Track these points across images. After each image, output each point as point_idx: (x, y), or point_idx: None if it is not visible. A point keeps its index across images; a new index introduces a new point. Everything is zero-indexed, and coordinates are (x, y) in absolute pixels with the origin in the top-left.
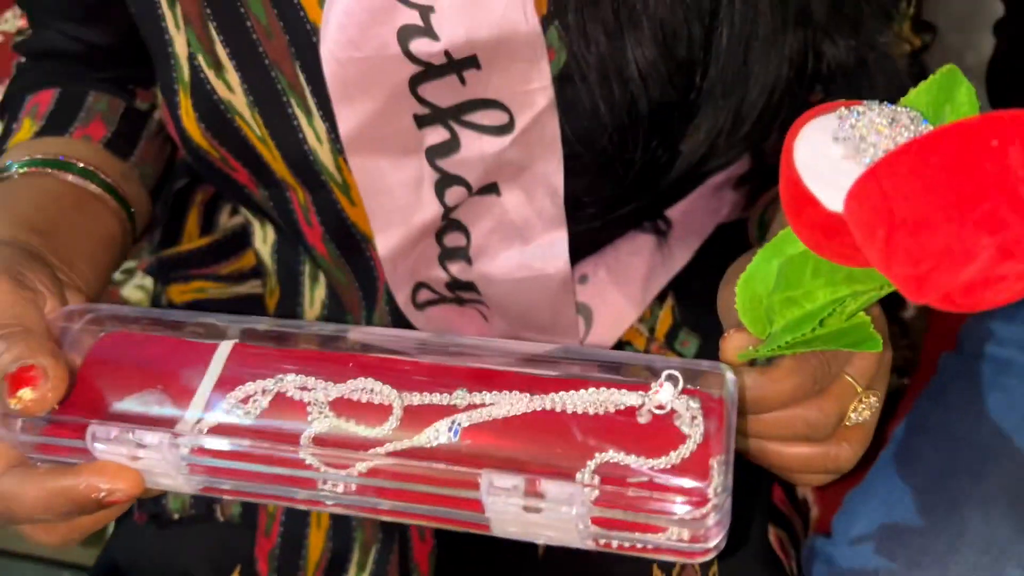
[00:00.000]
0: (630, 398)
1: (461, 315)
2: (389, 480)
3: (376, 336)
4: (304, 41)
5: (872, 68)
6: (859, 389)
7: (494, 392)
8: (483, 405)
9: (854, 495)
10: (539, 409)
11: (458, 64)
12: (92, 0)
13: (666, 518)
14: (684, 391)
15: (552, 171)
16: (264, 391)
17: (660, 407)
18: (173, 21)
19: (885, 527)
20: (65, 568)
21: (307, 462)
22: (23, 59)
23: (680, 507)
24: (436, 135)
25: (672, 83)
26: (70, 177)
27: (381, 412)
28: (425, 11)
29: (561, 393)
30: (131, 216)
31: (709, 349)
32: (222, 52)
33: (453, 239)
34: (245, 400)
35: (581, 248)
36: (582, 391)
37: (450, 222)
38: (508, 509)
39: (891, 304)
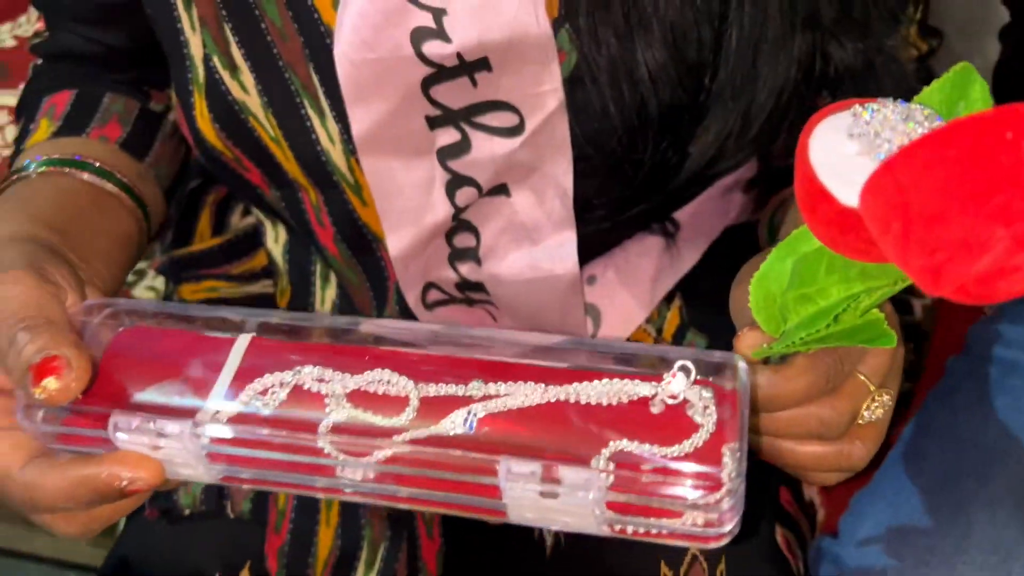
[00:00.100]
0: (643, 388)
1: (470, 315)
2: (407, 467)
3: (389, 328)
4: (318, 43)
5: (879, 71)
6: (872, 387)
7: (509, 383)
8: (498, 396)
9: (861, 496)
10: (554, 400)
11: (470, 66)
12: (108, 3)
13: (681, 503)
14: (697, 381)
15: (562, 172)
16: (282, 383)
17: (673, 397)
18: (189, 23)
19: (892, 528)
20: (71, 569)
21: (325, 451)
22: (40, 61)
23: (694, 492)
24: (447, 136)
25: (682, 85)
26: (86, 176)
27: (398, 403)
28: (438, 13)
29: (575, 384)
30: (147, 215)
31: (716, 349)
32: (237, 54)
33: (463, 240)
34: (264, 392)
35: (590, 249)
36: (596, 382)
37: (460, 223)
38: (525, 495)
39: (897, 308)
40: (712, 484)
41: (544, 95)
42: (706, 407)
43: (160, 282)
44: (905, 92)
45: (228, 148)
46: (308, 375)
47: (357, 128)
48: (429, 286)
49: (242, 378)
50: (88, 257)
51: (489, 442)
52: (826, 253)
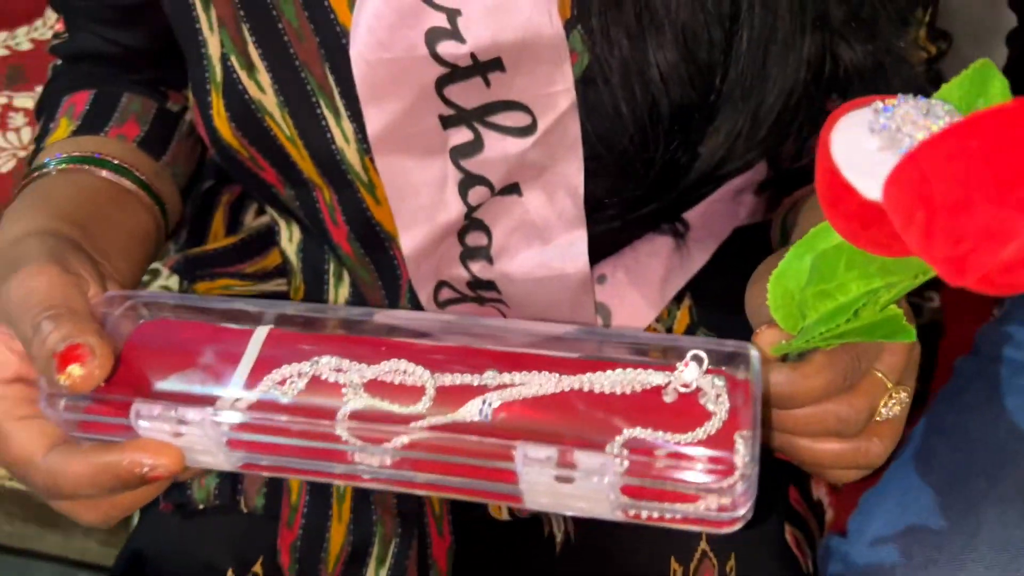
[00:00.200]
0: (656, 378)
1: (481, 313)
2: (425, 452)
3: (402, 319)
4: (334, 43)
5: (888, 72)
6: (889, 385)
7: (523, 372)
8: (513, 385)
9: (870, 495)
10: (568, 389)
11: (483, 66)
12: (127, 4)
13: (695, 487)
14: (709, 370)
15: (573, 172)
16: (300, 373)
17: (686, 385)
18: (207, 23)
19: (901, 526)
20: (82, 568)
21: (344, 438)
22: (59, 62)
23: (707, 476)
24: (460, 136)
25: (692, 85)
26: (105, 173)
27: (414, 393)
28: (452, 14)
29: (589, 373)
30: (164, 213)
31: None
32: (254, 53)
33: (475, 238)
34: (282, 382)
35: (600, 249)
36: (609, 371)
37: (472, 221)
38: (541, 480)
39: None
40: (726, 469)
41: (556, 95)
42: (719, 395)
43: (174, 281)
44: (914, 93)
45: (244, 147)
46: (326, 365)
47: (371, 127)
48: (441, 284)
49: (261, 368)
50: (107, 252)
51: (505, 429)
52: (845, 249)
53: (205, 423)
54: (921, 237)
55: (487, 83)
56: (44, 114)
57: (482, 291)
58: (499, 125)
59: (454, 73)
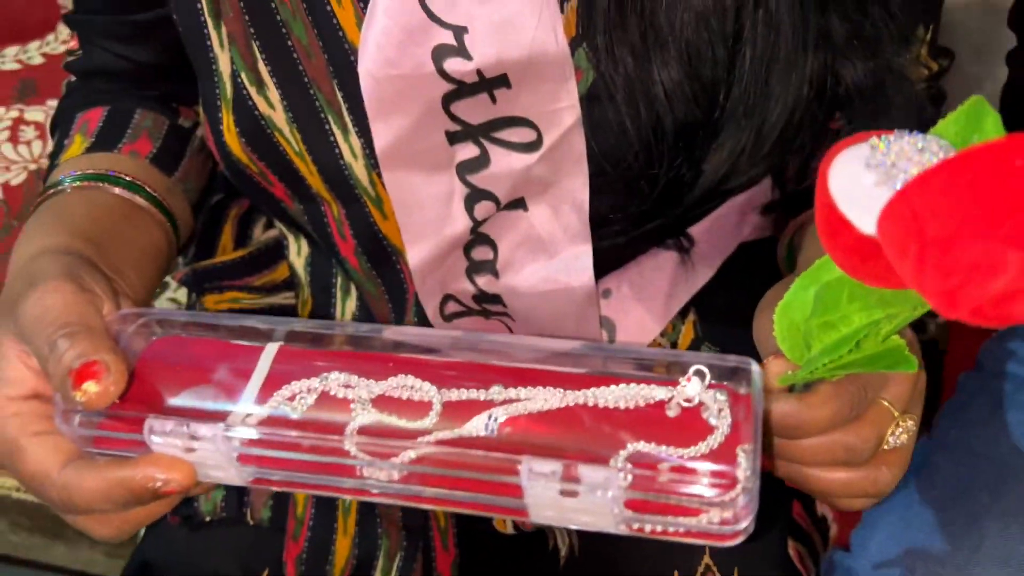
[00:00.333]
0: (659, 392)
1: (487, 327)
2: (432, 467)
3: (410, 335)
4: (342, 60)
5: (890, 90)
6: (896, 413)
7: (529, 387)
8: (518, 400)
9: (873, 510)
10: (572, 404)
11: (489, 83)
12: (140, 20)
13: (697, 500)
14: (711, 385)
15: (578, 187)
16: (310, 389)
17: (688, 400)
18: (218, 40)
19: (904, 541)
20: None
21: (352, 452)
22: (73, 78)
23: (710, 490)
24: (467, 151)
25: (696, 103)
26: (118, 190)
27: (421, 408)
28: (459, 32)
29: (593, 388)
30: (176, 228)
31: None
32: (264, 70)
33: (481, 252)
34: (292, 398)
35: (605, 264)
36: (613, 386)
37: (478, 236)
38: (546, 494)
39: (910, 326)
40: (728, 483)
41: (561, 112)
42: (721, 410)
43: (182, 294)
44: (915, 110)
45: (253, 162)
46: (334, 381)
47: (379, 143)
48: (447, 298)
49: (271, 384)
50: (121, 268)
51: (510, 443)
52: (847, 281)
53: (217, 439)
54: (914, 271)
55: (493, 99)
56: (59, 130)
57: (488, 305)
58: (505, 141)
59: (460, 89)
